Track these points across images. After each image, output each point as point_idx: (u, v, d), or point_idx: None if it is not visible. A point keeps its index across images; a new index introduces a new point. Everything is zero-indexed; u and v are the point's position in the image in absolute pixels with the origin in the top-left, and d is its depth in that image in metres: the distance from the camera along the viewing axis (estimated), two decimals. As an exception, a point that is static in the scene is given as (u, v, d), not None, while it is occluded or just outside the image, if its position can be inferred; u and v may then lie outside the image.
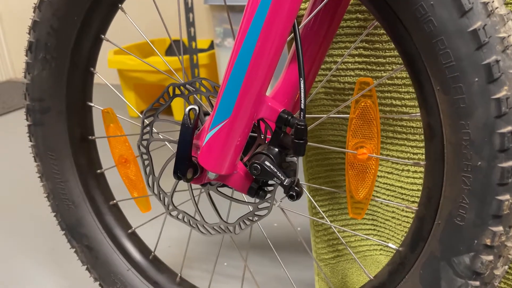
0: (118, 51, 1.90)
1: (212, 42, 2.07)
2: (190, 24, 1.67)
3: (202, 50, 1.98)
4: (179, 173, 0.50)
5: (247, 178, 0.52)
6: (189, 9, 1.65)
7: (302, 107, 0.45)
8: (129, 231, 0.73)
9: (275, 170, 0.47)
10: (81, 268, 0.73)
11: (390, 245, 0.53)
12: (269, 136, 0.51)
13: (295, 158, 0.49)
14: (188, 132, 0.49)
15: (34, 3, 0.61)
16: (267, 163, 0.47)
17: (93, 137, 0.71)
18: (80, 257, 0.72)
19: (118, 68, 1.84)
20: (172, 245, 1.02)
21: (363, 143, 0.51)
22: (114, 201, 0.73)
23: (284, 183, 0.47)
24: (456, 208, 0.44)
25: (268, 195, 0.52)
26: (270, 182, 0.52)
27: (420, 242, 0.49)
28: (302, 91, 0.45)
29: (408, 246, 0.51)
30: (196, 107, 0.50)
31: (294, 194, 0.46)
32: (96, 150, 0.72)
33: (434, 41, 0.41)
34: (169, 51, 2.21)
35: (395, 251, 0.65)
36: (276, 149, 0.48)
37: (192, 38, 1.69)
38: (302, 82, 0.44)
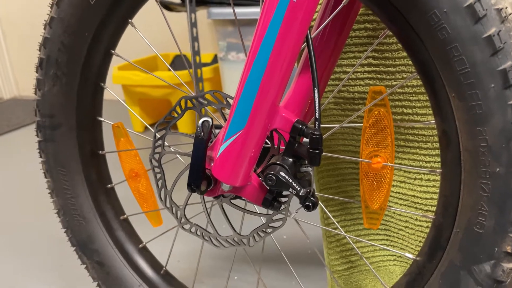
0: (122, 67, 1.92)
1: (215, 56, 2.09)
2: (194, 38, 1.68)
3: (205, 64, 1.99)
4: (193, 186, 0.50)
5: (261, 190, 0.51)
6: (193, 24, 1.67)
7: (317, 117, 0.44)
8: (140, 246, 0.72)
9: (291, 180, 0.46)
10: (90, 285, 0.72)
11: (407, 254, 0.52)
12: (282, 147, 0.51)
13: (309, 168, 0.49)
14: (202, 144, 0.49)
15: (45, 20, 0.62)
16: (282, 173, 0.47)
17: (103, 151, 0.70)
18: (91, 273, 0.72)
19: (122, 83, 1.85)
20: (181, 260, 1.01)
21: (377, 152, 0.50)
22: (125, 215, 0.72)
23: (300, 194, 0.46)
24: (475, 216, 0.44)
25: (283, 206, 0.51)
26: (284, 193, 0.51)
27: (438, 251, 0.49)
28: (317, 100, 0.44)
29: (425, 256, 0.50)
30: (209, 119, 0.50)
31: (310, 204, 0.46)
32: (106, 164, 0.72)
33: (448, 48, 0.41)
34: (172, 66, 2.23)
35: (411, 261, 0.64)
36: (291, 160, 0.48)
37: (196, 52, 1.70)
38: (316, 91, 0.44)
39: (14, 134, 2.06)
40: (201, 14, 1.92)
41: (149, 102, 1.94)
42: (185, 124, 1.84)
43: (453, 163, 0.45)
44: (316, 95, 0.44)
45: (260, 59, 0.43)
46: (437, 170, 0.48)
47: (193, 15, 1.66)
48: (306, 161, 0.49)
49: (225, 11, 1.61)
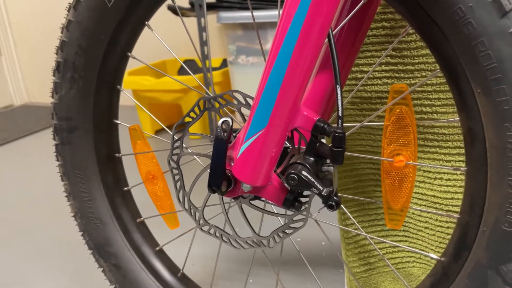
0: (133, 72, 1.93)
1: (223, 60, 2.09)
2: (204, 43, 1.68)
3: (214, 69, 2.00)
4: (213, 186, 0.50)
5: (281, 190, 0.51)
6: (202, 29, 1.67)
7: (340, 115, 0.44)
8: (157, 248, 0.72)
9: (313, 179, 0.46)
10: (107, 288, 0.72)
11: (431, 255, 0.51)
12: (302, 147, 0.51)
13: (331, 168, 0.49)
14: (222, 144, 0.49)
15: (62, 24, 0.62)
16: (304, 172, 0.46)
17: (120, 154, 0.70)
18: (108, 276, 0.71)
19: (133, 88, 1.86)
20: (196, 263, 1.01)
21: (400, 151, 0.50)
22: (141, 218, 0.72)
23: (323, 193, 0.46)
24: (502, 214, 0.43)
25: (304, 207, 0.51)
26: (305, 193, 0.51)
27: (464, 251, 0.48)
28: (339, 98, 0.44)
29: (451, 256, 0.49)
30: (229, 120, 0.49)
31: (333, 204, 0.45)
32: (122, 167, 0.72)
33: (474, 43, 0.40)
34: (181, 71, 2.24)
35: (432, 262, 0.63)
36: (312, 159, 0.47)
37: (205, 57, 1.70)
38: (339, 89, 0.44)
39: (25, 140, 2.07)
40: (210, 18, 1.93)
41: (159, 106, 1.94)
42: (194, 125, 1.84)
43: (479, 160, 0.44)
44: (339, 93, 0.44)
45: (282, 58, 0.43)
46: (461, 168, 0.47)
47: (202, 20, 1.66)
48: (328, 160, 0.48)
49: (235, 15, 1.62)
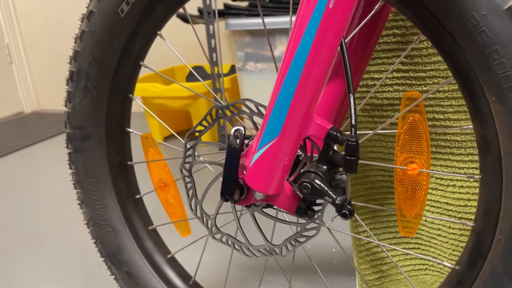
0: (141, 79, 1.94)
1: (231, 67, 2.10)
2: (212, 49, 1.69)
3: (224, 75, 2.00)
4: (226, 195, 0.50)
5: (294, 198, 0.51)
6: (211, 36, 1.68)
7: (353, 123, 0.44)
8: (168, 256, 0.72)
9: (326, 188, 0.46)
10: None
11: (445, 263, 0.51)
12: (314, 155, 0.51)
13: (344, 176, 0.49)
14: (235, 153, 0.49)
15: (75, 34, 0.63)
16: (317, 181, 0.46)
17: (132, 162, 0.71)
18: (120, 284, 0.72)
19: (142, 95, 1.88)
20: (206, 270, 1.01)
21: (413, 158, 0.50)
22: (153, 226, 0.73)
23: (336, 202, 0.46)
24: (519, 222, 0.43)
25: (317, 215, 0.51)
26: (318, 201, 0.51)
27: (479, 259, 0.47)
28: (352, 107, 0.44)
29: (465, 264, 0.49)
30: (242, 128, 0.50)
31: (347, 212, 0.45)
32: (134, 175, 0.73)
33: (487, 51, 0.40)
34: (190, 78, 2.25)
35: (444, 270, 0.62)
36: (325, 167, 0.48)
37: (214, 63, 1.71)
38: (352, 98, 0.44)
39: (36, 147, 2.09)
40: (219, 25, 1.94)
41: (168, 113, 1.95)
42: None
43: (493, 168, 0.44)
44: (352, 101, 0.44)
45: (295, 67, 0.43)
46: (476, 176, 0.47)
47: (211, 27, 1.67)
48: (340, 169, 0.48)
49: (243, 22, 1.63)
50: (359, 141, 0.56)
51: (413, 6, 0.44)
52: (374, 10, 0.48)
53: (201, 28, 2.02)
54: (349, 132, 0.45)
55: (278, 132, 0.46)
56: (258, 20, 1.61)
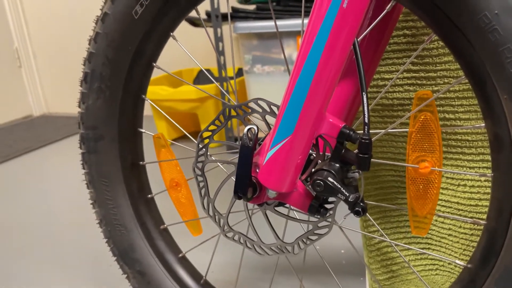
0: (150, 82, 1.95)
1: (239, 70, 2.11)
2: (221, 52, 1.71)
3: (231, 78, 2.01)
4: (239, 193, 0.50)
5: (307, 196, 0.51)
6: (218, 39, 1.69)
7: (366, 121, 0.45)
8: (180, 255, 0.73)
9: (339, 186, 0.46)
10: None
11: (457, 262, 0.51)
12: (326, 153, 0.51)
13: (356, 174, 0.49)
14: (248, 151, 0.50)
15: (90, 36, 0.64)
16: (330, 179, 0.47)
17: (144, 162, 0.72)
18: (132, 283, 0.72)
19: (150, 98, 1.89)
20: (215, 271, 1.01)
21: (425, 157, 0.50)
22: (165, 225, 0.73)
23: (349, 199, 0.46)
24: (532, 220, 0.43)
25: (329, 213, 0.51)
26: (330, 199, 0.51)
27: (491, 257, 0.47)
28: (365, 105, 0.45)
29: (478, 262, 0.49)
30: (254, 127, 0.50)
31: (360, 210, 0.46)
32: (146, 175, 0.73)
33: (500, 49, 0.40)
34: (197, 81, 2.26)
35: (455, 270, 0.62)
36: (337, 165, 0.48)
37: (222, 66, 1.72)
38: (365, 96, 0.44)
39: (45, 150, 2.11)
40: (226, 28, 1.96)
41: (175, 115, 1.97)
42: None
43: (506, 166, 0.44)
44: (365, 100, 0.44)
45: (309, 65, 0.43)
46: (488, 174, 0.47)
47: (219, 30, 1.69)
48: (353, 167, 0.49)
49: (250, 25, 1.64)
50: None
51: (425, 6, 0.45)
52: (385, 10, 0.49)
53: (209, 31, 2.03)
54: (361, 131, 0.46)
55: (292, 130, 0.46)
56: (265, 23, 1.62)
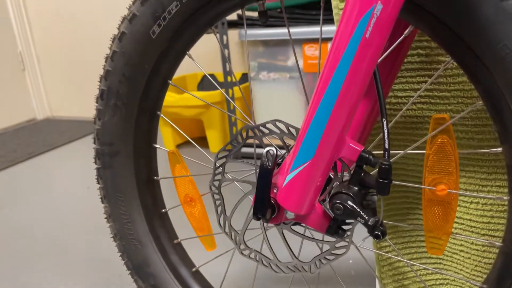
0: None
1: (242, 75, 2.12)
2: (226, 59, 1.71)
3: (235, 84, 2.02)
4: (258, 214, 0.51)
5: (325, 217, 0.52)
6: (224, 46, 1.70)
7: (387, 147, 0.45)
8: (193, 269, 0.73)
9: (359, 210, 0.47)
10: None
11: (472, 282, 0.51)
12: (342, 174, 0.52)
13: (374, 197, 0.50)
14: (268, 173, 0.50)
15: (106, 54, 0.65)
16: (350, 202, 0.47)
17: (159, 177, 0.72)
18: (146, 297, 0.73)
19: (155, 104, 1.89)
20: (228, 283, 1.02)
21: (441, 179, 0.51)
22: (178, 239, 0.74)
23: (369, 223, 0.47)
24: (549, 245, 0.44)
25: (347, 234, 0.52)
26: (348, 220, 0.52)
27: (507, 279, 0.48)
28: (385, 131, 0.45)
29: (493, 284, 0.50)
30: (273, 149, 0.51)
31: (379, 234, 0.46)
32: (160, 190, 0.74)
33: (519, 79, 0.41)
34: (201, 86, 2.27)
35: (466, 286, 0.63)
36: (356, 188, 0.49)
37: (227, 72, 1.73)
38: (385, 122, 0.45)
39: (50, 154, 2.12)
40: (232, 34, 1.96)
41: (181, 121, 1.98)
42: (217, 143, 1.86)
43: (523, 191, 0.45)
44: (385, 125, 0.45)
45: (330, 93, 0.44)
46: (504, 198, 0.48)
47: (224, 37, 1.69)
48: (370, 190, 0.50)
49: (256, 32, 1.65)
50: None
51: (445, 34, 0.45)
52: (404, 35, 0.49)
53: (214, 38, 2.04)
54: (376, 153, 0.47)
55: (312, 155, 0.47)
56: (271, 31, 1.63)
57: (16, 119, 2.73)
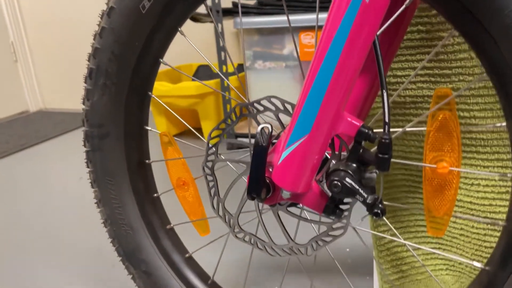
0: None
1: (238, 66, 2.09)
2: (221, 48, 1.69)
3: (230, 74, 2.00)
4: (253, 194, 0.49)
5: (322, 197, 0.50)
6: (219, 34, 1.67)
7: (387, 121, 0.43)
8: (186, 255, 0.71)
9: (357, 187, 0.45)
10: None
11: (475, 263, 0.50)
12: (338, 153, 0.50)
13: (373, 175, 0.48)
14: (263, 151, 0.48)
15: (95, 31, 0.62)
16: (348, 179, 0.45)
17: (150, 161, 0.70)
18: (137, 284, 0.71)
19: (149, 94, 1.87)
20: (222, 271, 1.00)
21: (443, 157, 0.49)
22: (171, 225, 0.72)
23: (367, 201, 0.45)
24: (555, 222, 0.42)
25: (345, 214, 0.50)
26: (346, 200, 0.50)
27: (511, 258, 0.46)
28: (386, 103, 0.43)
29: (497, 264, 0.48)
30: (268, 126, 0.49)
31: (379, 211, 0.45)
32: (152, 174, 0.72)
33: (527, 46, 0.39)
34: (196, 76, 2.24)
35: (465, 270, 0.61)
36: (354, 165, 0.47)
37: (222, 62, 1.70)
38: (385, 94, 0.43)
39: (43, 146, 2.09)
40: (226, 24, 1.93)
41: (175, 112, 1.95)
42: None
43: (529, 166, 0.43)
44: (385, 97, 0.43)
45: (328, 63, 0.42)
46: (508, 174, 0.46)
47: (219, 25, 1.67)
48: (370, 167, 0.48)
49: (251, 21, 1.62)
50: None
51: (446, 0, 0.43)
52: (405, 5, 0.47)
53: (209, 27, 2.01)
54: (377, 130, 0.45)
55: (309, 129, 0.45)
56: (266, 19, 1.60)
57: (9, 111, 2.69)
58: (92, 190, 0.70)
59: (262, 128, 0.49)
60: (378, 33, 0.50)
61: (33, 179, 1.68)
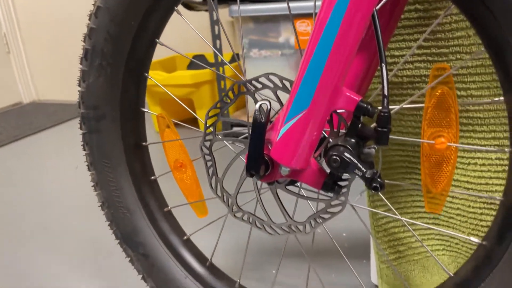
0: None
1: (232, 56, 2.08)
2: (216, 36, 1.68)
3: (226, 63, 1.99)
4: (252, 170, 0.49)
5: (320, 173, 0.50)
6: (214, 22, 1.66)
7: (386, 94, 0.43)
8: (184, 238, 0.71)
9: (356, 161, 0.45)
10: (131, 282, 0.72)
11: (472, 239, 0.50)
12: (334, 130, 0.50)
13: (372, 150, 0.48)
14: (261, 127, 0.48)
15: (90, 11, 0.62)
16: (347, 154, 0.45)
17: (147, 143, 0.70)
18: (135, 266, 0.71)
19: (144, 83, 1.86)
20: (221, 253, 1.00)
21: (441, 132, 0.49)
22: (169, 207, 0.72)
23: (366, 175, 0.45)
24: (552, 194, 0.42)
25: (343, 190, 0.50)
26: (344, 176, 0.50)
27: (508, 233, 0.47)
28: (385, 77, 0.43)
29: (494, 239, 0.49)
30: (267, 102, 0.49)
31: (377, 186, 0.45)
32: (149, 156, 0.72)
33: (525, 18, 0.39)
34: (191, 67, 2.23)
35: (462, 250, 0.62)
36: (353, 140, 0.47)
37: (218, 50, 1.69)
38: (384, 68, 0.43)
39: (36, 137, 2.07)
40: (222, 12, 1.92)
41: (170, 101, 1.94)
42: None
43: (526, 140, 0.43)
44: (384, 71, 0.43)
45: (326, 36, 0.42)
46: (506, 150, 0.46)
47: (214, 13, 1.66)
48: (368, 142, 0.48)
49: (247, 8, 1.61)
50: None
51: (446, -26, 0.43)
52: (403, -20, 0.47)
53: (203, 15, 2.00)
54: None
55: (308, 104, 0.45)
56: (262, 6, 1.59)
57: (2, 102, 2.67)
58: (87, 180, 0.69)
59: (261, 105, 0.49)
60: (378, 6, 0.50)
61: (27, 169, 1.67)
